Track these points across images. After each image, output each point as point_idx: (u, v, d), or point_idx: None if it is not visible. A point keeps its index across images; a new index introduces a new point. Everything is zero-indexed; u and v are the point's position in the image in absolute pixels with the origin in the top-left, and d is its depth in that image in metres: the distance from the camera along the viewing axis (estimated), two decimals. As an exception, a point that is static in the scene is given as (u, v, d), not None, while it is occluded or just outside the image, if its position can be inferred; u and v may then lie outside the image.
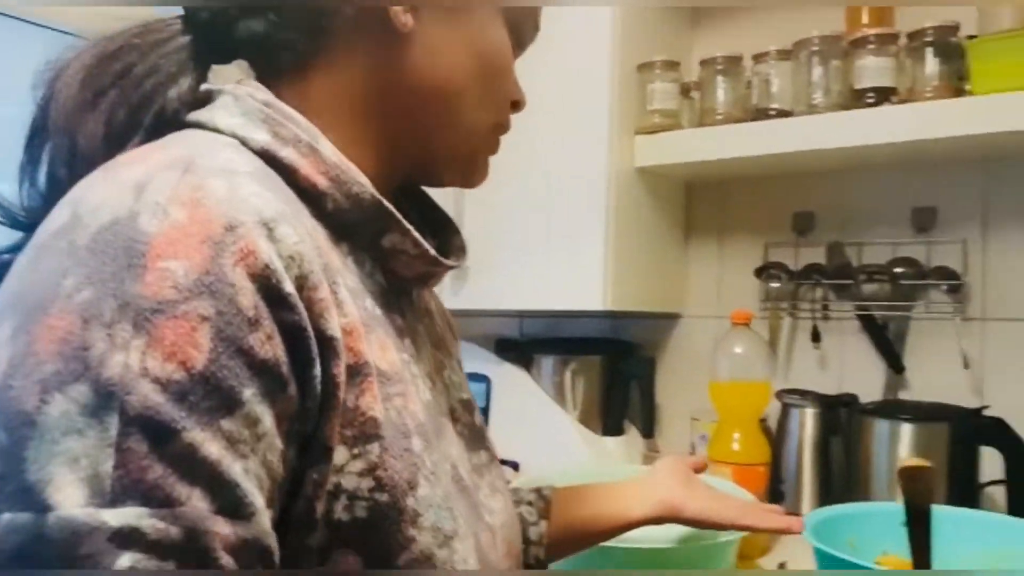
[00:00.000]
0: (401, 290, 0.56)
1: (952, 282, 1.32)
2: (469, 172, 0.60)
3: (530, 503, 0.77)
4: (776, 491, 1.37)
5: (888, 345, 1.38)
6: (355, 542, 0.45)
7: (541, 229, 1.35)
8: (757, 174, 1.51)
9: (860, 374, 1.42)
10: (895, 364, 1.37)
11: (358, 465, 0.45)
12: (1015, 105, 1.11)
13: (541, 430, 1.45)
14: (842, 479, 1.29)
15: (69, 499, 0.35)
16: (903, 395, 1.39)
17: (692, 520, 0.78)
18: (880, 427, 1.15)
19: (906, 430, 1.12)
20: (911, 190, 1.39)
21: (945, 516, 0.96)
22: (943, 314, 1.34)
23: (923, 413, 1.12)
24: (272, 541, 0.41)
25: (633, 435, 1.54)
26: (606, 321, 1.68)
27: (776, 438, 1.39)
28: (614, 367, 1.54)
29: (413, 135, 0.55)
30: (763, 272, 1.46)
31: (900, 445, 1.13)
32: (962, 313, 1.33)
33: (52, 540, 0.35)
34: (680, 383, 1.59)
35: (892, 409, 1.15)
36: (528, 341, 1.61)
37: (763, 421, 1.41)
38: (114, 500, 0.36)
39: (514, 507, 0.66)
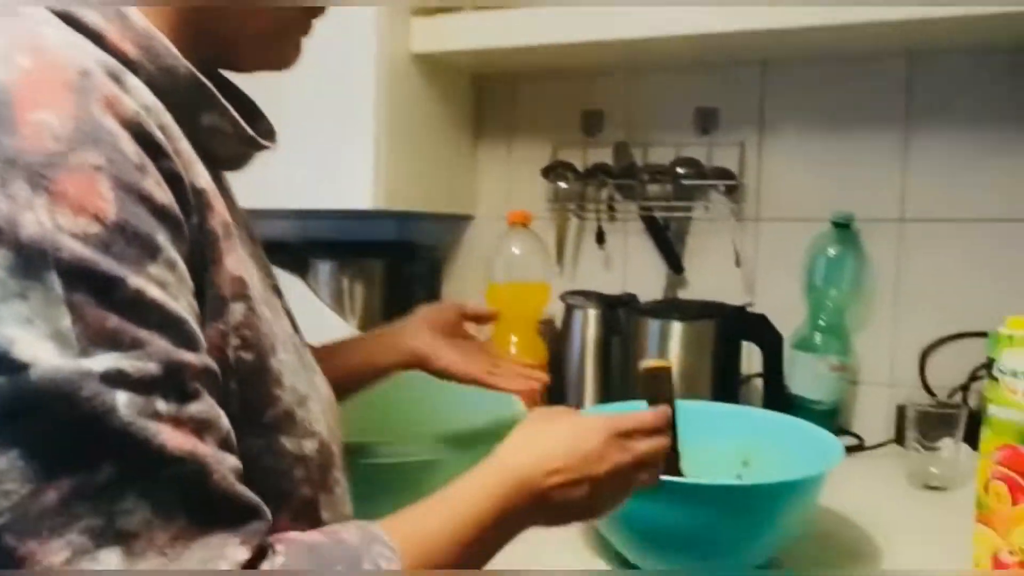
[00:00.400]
0: (214, 172, 0.55)
1: (729, 183, 1.35)
2: (278, 54, 0.58)
3: None
4: (554, 391, 1.38)
5: (668, 245, 1.40)
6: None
7: (305, 121, 1.22)
8: (545, 68, 1.46)
9: (643, 274, 1.44)
10: (675, 264, 1.40)
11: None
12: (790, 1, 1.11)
13: (317, 340, 1.36)
14: (622, 377, 1.31)
15: (43, 354, 0.37)
16: (682, 294, 1.42)
17: (438, 371, 0.81)
18: (653, 326, 1.16)
19: (676, 328, 1.14)
20: (695, 91, 1.40)
21: (701, 410, 0.99)
22: (721, 215, 1.37)
23: (692, 312, 1.15)
24: (217, 368, 0.45)
25: (419, 342, 1.49)
26: (392, 223, 1.59)
27: (560, 339, 1.38)
28: (397, 271, 1.47)
29: (215, 12, 0.52)
30: (551, 172, 1.42)
31: (672, 342, 1.15)
32: (738, 214, 1.36)
33: (45, 391, 0.37)
34: (470, 286, 1.55)
35: (664, 308, 1.17)
36: (302, 244, 1.49)
37: (550, 323, 1.40)
38: (84, 351, 0.38)
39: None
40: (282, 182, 1.25)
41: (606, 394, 1.33)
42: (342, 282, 1.45)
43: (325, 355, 0.78)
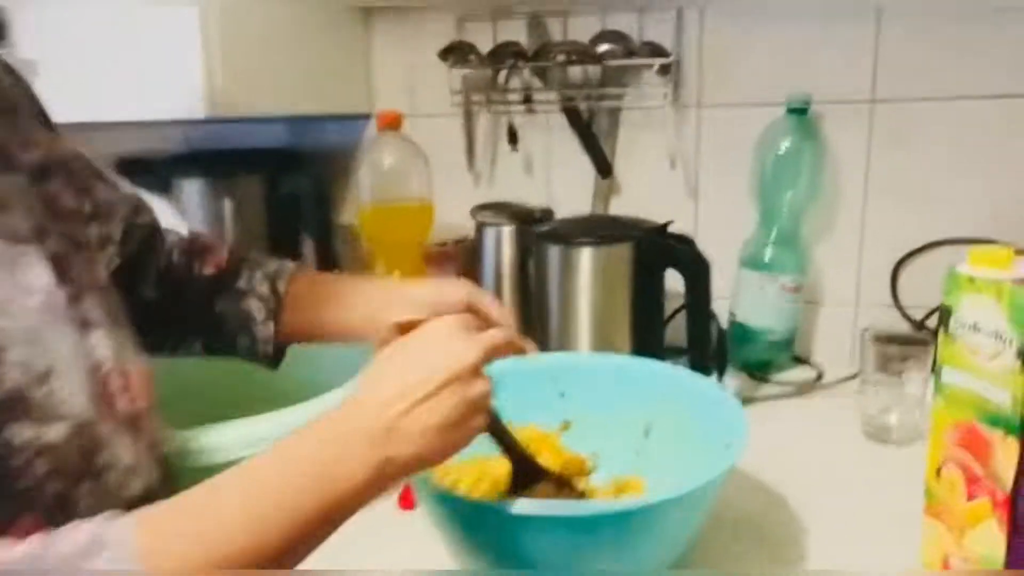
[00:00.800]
0: None
1: (664, 61, 1.12)
2: None
3: (261, 298, 0.74)
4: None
5: (594, 143, 1.18)
6: None
7: (124, 15, 0.99)
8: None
9: (569, 180, 1.23)
10: (602, 166, 1.19)
11: None
12: None
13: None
14: (540, 310, 1.12)
15: None
16: (615, 203, 1.22)
17: None
18: (553, 253, 0.96)
19: (583, 255, 0.94)
20: (624, -57, 1.14)
21: (597, 365, 0.81)
22: (655, 102, 1.15)
23: (604, 233, 0.94)
24: None
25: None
26: (280, 127, 1.38)
27: (471, 262, 1.20)
28: (278, 187, 1.27)
29: None
30: (450, 54, 1.19)
31: (579, 273, 0.95)
32: (675, 99, 1.14)
33: None
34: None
35: (570, 229, 0.96)
36: (165, 159, 1.29)
37: (463, 242, 1.21)
38: None
39: (121, 333, 0.57)
40: (108, 90, 1.04)
41: (528, 327, 1.15)
42: (213, 202, 1.26)
43: (316, 297, 0.73)
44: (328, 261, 1.31)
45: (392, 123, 0.97)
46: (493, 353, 0.53)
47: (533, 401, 0.78)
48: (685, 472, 0.70)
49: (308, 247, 1.32)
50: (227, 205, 1.26)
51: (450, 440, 0.50)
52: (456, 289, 0.76)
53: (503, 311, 0.76)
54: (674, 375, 0.76)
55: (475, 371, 0.50)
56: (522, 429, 0.77)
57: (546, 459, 0.73)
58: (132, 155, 1.26)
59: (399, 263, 1.02)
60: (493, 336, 0.54)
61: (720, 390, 0.71)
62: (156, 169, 1.26)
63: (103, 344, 0.55)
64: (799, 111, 1.03)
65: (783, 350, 1.09)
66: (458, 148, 1.27)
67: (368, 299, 0.73)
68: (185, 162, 1.30)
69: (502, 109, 1.22)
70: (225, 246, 0.83)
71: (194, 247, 0.82)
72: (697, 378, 0.74)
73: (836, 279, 1.12)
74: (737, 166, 1.10)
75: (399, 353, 0.52)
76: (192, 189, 1.25)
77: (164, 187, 1.26)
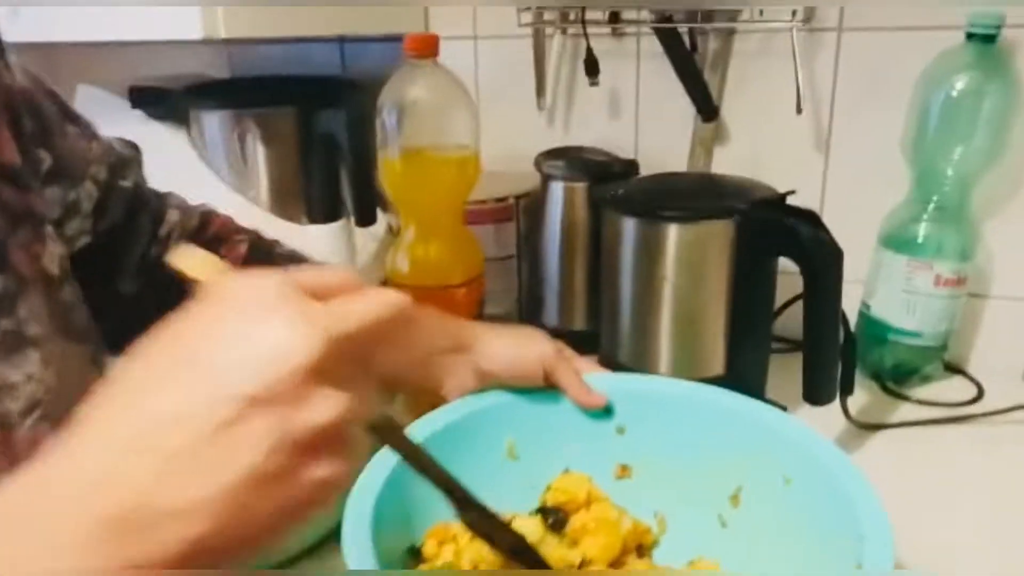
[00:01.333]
0: None
1: (794, -32, 0.85)
2: None
3: None
4: (533, 301, 0.99)
5: (696, 76, 0.92)
6: None
7: None
8: None
9: (663, 121, 0.99)
10: (705, 107, 0.93)
11: None
12: None
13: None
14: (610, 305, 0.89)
15: None
16: (720, 154, 0.97)
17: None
18: (627, 228, 0.73)
19: (666, 234, 0.70)
20: None
21: (667, 397, 0.58)
22: (779, 23, 0.88)
23: (696, 204, 0.70)
24: None
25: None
26: (322, 50, 1.18)
27: (532, 223, 0.98)
28: (313, 121, 1.07)
29: None
30: (512, -38, 0.95)
31: (663, 256, 0.72)
32: (806, 20, 0.86)
33: None
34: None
35: (646, 197, 0.72)
36: (185, 88, 1.10)
37: (525, 199, 1.00)
38: None
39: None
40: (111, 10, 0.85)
41: (596, 311, 0.92)
42: (236, 138, 1.07)
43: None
44: (369, 205, 1.11)
45: (423, 49, 0.74)
46: (355, 340, 0.29)
47: (579, 437, 0.58)
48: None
49: (346, 190, 1.13)
50: (252, 140, 1.07)
51: (264, 512, 0.27)
52: (540, 347, 0.58)
53: (592, 395, 0.57)
54: (780, 426, 0.53)
55: (315, 376, 0.27)
56: (561, 478, 0.57)
57: (596, 537, 0.52)
58: (145, 82, 1.09)
59: (434, 225, 0.80)
60: (355, 309, 0.29)
61: (848, 463, 0.48)
62: (171, 98, 1.08)
63: (37, 377, 0.42)
64: (985, 37, 0.75)
65: (932, 357, 0.83)
66: (526, 79, 1.04)
67: (429, 335, 0.57)
68: (207, 91, 1.11)
69: (581, 31, 0.97)
70: (246, 236, 0.65)
71: (204, 234, 0.64)
72: (816, 438, 0.50)
73: (1015, 269, 0.84)
74: (887, 112, 0.83)
75: (168, 346, 0.29)
76: (212, 121, 1.07)
77: (180, 118, 1.08)
